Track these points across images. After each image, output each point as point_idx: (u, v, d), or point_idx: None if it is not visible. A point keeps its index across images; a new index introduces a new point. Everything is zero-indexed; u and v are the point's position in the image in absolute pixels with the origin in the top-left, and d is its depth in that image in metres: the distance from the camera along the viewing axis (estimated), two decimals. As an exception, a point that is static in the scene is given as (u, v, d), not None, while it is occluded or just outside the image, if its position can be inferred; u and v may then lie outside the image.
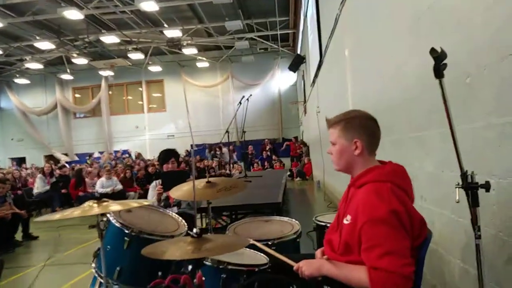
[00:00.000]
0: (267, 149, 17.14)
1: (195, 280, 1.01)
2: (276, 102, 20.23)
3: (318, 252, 1.84)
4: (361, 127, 1.65)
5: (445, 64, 1.43)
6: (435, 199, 2.51)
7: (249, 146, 16.27)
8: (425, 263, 1.58)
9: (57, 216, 1.73)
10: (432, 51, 1.40)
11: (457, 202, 1.42)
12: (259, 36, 17.24)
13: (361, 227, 1.48)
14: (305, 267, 1.60)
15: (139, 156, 17.66)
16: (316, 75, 9.68)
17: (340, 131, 1.68)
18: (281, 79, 20.12)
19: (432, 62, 1.45)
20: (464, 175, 1.43)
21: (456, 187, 1.46)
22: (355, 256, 1.52)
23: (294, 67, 14.87)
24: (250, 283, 1.69)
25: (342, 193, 1.81)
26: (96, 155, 19.25)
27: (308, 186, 13.17)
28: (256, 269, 1.80)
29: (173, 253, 1.32)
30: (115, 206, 1.70)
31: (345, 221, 1.60)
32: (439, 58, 1.40)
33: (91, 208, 1.65)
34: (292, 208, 8.20)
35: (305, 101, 14.80)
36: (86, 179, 10.66)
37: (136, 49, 17.35)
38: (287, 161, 16.92)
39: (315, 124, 9.47)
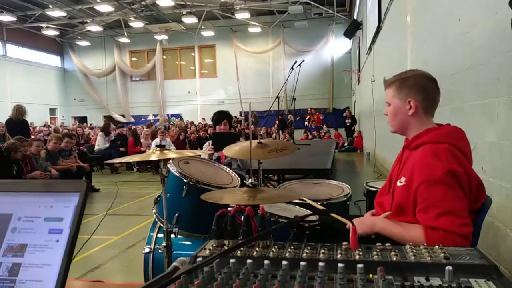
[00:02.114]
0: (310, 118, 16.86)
1: (258, 211, 1.06)
2: (328, 70, 19.71)
3: (367, 215, 1.84)
4: (416, 86, 1.58)
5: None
6: (495, 170, 2.40)
7: (289, 115, 16.03)
8: (479, 235, 1.54)
9: (124, 159, 1.87)
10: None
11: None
12: (313, 0, 16.65)
13: (417, 187, 1.45)
14: (358, 225, 1.60)
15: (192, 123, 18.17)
16: (373, 42, 9.27)
17: (395, 91, 1.62)
18: (335, 46, 19.47)
19: (506, 20, 1.34)
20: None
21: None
22: (409, 218, 1.51)
23: (349, 33, 14.29)
24: (301, 233, 1.75)
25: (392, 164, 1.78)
26: (150, 117, 20.09)
27: (358, 157, 12.95)
28: (306, 225, 1.85)
29: (230, 199, 1.40)
30: (172, 154, 1.82)
31: (398, 183, 1.58)
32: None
33: (151, 154, 1.76)
34: (341, 177, 8.14)
35: (359, 70, 14.29)
36: (142, 140, 11.23)
37: (190, 13, 17.49)
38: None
39: (369, 94, 9.17)
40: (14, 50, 19.81)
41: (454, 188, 1.41)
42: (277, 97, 7.22)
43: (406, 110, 1.59)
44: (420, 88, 1.58)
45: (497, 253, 2.34)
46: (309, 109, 17.16)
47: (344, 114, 16.90)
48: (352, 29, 13.81)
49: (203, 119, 18.32)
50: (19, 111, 7.65)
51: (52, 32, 19.81)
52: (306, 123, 16.80)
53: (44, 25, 18.76)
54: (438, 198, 1.40)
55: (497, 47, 2.35)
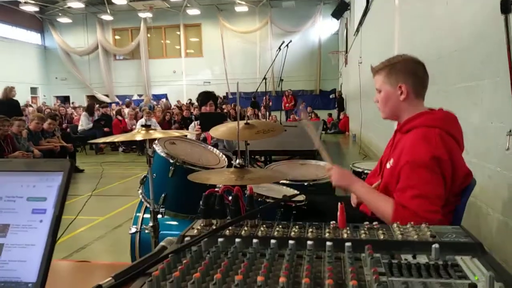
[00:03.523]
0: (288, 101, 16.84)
1: (246, 191, 1.06)
2: (315, 51, 19.59)
3: (354, 196, 1.86)
4: (406, 71, 1.58)
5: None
6: (479, 152, 2.44)
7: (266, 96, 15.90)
8: (463, 215, 1.57)
9: (109, 139, 1.83)
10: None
11: (507, 150, 1.38)
12: (302, -20, 16.41)
13: (401, 167, 1.48)
14: (336, 175, 1.64)
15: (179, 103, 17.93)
16: (360, 23, 9.23)
17: (385, 77, 1.62)
18: (322, 27, 19.30)
19: (494, 2, 1.34)
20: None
21: (507, 135, 1.41)
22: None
23: (337, 14, 14.19)
24: (288, 213, 1.77)
25: (378, 146, 1.79)
26: (135, 97, 19.75)
27: (344, 139, 13.06)
28: (293, 205, 1.86)
29: (217, 179, 1.39)
30: (158, 134, 1.80)
31: (387, 165, 1.60)
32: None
33: (136, 134, 1.74)
34: (326, 158, 8.20)
35: (346, 51, 14.25)
36: (126, 120, 11.07)
37: (175, -9, 17.04)
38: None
39: (356, 75, 9.18)
40: (-9, 26, 19.08)
41: (435, 174, 1.43)
42: (264, 78, 7.17)
43: (398, 95, 1.59)
44: (411, 73, 1.58)
45: (479, 232, 2.41)
46: (286, 91, 17.08)
47: (332, 96, 16.93)
48: (340, 10, 13.70)
49: (190, 100, 18.08)
50: (8, 91, 7.57)
51: (31, 8, 19.07)
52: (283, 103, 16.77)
53: (22, 0, 18.05)
54: (416, 181, 1.43)
55: (484, 30, 2.36)
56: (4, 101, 7.54)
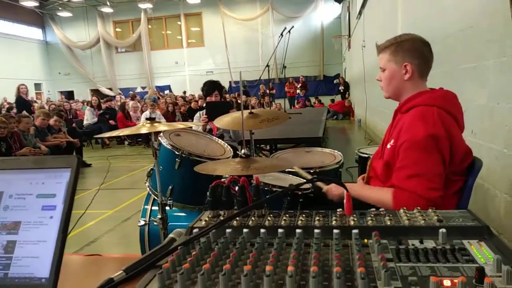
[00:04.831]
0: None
1: (253, 181, 1.07)
2: (318, 36, 19.38)
3: (360, 179, 1.86)
4: (412, 50, 1.57)
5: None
6: (485, 132, 2.42)
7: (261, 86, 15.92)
8: (470, 198, 1.56)
9: (114, 133, 1.84)
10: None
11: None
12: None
13: (399, 146, 1.49)
14: (335, 188, 1.65)
15: (184, 93, 17.93)
16: (363, 6, 9.10)
17: (390, 55, 1.60)
18: (324, 11, 19.05)
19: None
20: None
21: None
22: None
23: (339, -3, 13.98)
24: (295, 201, 1.78)
25: (384, 131, 1.79)
26: (138, 90, 19.74)
27: (349, 124, 13.00)
28: (300, 193, 1.87)
29: (224, 170, 1.40)
30: (163, 126, 1.80)
31: (388, 146, 1.60)
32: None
33: (141, 127, 1.74)
34: (332, 144, 8.20)
35: (349, 35, 14.09)
36: (131, 113, 11.09)
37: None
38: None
39: (360, 59, 9.09)
40: (-8, 23, 19.07)
41: (431, 152, 1.43)
42: (267, 66, 7.13)
43: (402, 74, 1.58)
44: (417, 52, 1.57)
45: (487, 214, 2.41)
46: (290, 79, 17.00)
47: (337, 81, 16.79)
48: (342, -7, 13.50)
49: (189, 93, 18.02)
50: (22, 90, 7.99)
51: (31, 3, 19.00)
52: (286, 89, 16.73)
53: (22, -5, 17.99)
54: (412, 160, 1.44)
55: (489, 8, 2.32)
56: (21, 100, 7.81)
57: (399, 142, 1.50)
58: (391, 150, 1.56)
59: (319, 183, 1.74)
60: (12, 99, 12.81)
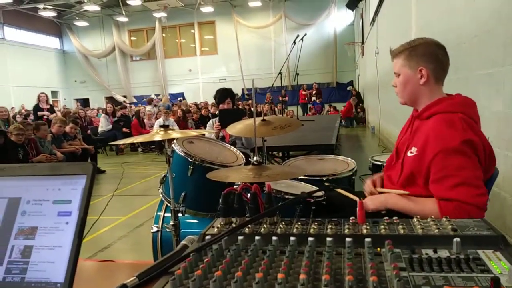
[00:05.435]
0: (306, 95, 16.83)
1: (265, 188, 1.07)
2: (331, 43, 19.38)
3: (368, 181, 1.77)
4: (427, 54, 1.54)
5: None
6: (501, 140, 2.38)
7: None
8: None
9: (128, 140, 1.87)
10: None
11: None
12: (314, -28, 16.22)
13: (432, 158, 1.42)
14: (370, 201, 1.58)
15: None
16: (376, 13, 9.07)
17: (404, 60, 1.58)
18: (337, 19, 19.06)
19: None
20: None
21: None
22: (418, 189, 1.49)
23: (352, 4, 13.97)
24: (307, 209, 1.77)
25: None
26: (152, 97, 19.98)
27: (362, 132, 12.91)
28: (312, 200, 1.86)
29: (236, 177, 1.40)
30: (176, 134, 1.82)
31: (409, 154, 1.55)
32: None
33: (155, 134, 1.76)
34: (345, 152, 8.14)
35: (362, 42, 14.05)
36: (145, 120, 11.23)
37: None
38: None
39: (373, 66, 9.04)
40: (12, 33, 19.57)
41: (470, 157, 1.39)
42: (280, 73, 7.15)
43: (418, 79, 1.55)
44: (432, 56, 1.54)
45: (503, 223, 2.36)
46: (304, 85, 17.02)
47: (349, 88, 16.69)
48: (355, 0, 13.49)
49: (200, 101, 18.14)
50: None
51: (49, 13, 19.50)
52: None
53: (41, 6, 18.45)
54: (453, 168, 1.38)
55: (504, 13, 2.29)
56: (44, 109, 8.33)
57: (429, 153, 1.44)
58: (415, 160, 1.50)
59: (351, 196, 1.59)
60: (29, 106, 13.16)
